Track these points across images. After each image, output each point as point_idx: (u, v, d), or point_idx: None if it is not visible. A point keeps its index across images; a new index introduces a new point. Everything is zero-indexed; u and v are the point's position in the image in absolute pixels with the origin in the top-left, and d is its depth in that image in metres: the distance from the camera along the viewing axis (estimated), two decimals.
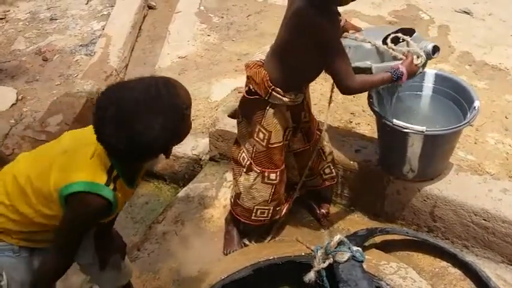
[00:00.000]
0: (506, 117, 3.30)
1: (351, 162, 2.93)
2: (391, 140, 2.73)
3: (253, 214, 2.67)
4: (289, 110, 2.50)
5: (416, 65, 2.42)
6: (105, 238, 2.11)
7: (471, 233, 2.70)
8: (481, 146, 3.07)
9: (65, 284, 2.38)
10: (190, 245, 2.79)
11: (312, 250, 2.41)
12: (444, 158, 2.78)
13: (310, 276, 2.26)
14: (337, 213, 2.99)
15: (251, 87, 2.45)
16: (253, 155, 2.56)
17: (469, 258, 2.67)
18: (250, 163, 2.57)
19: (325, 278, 2.27)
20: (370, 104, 2.66)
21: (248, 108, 2.53)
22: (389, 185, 2.85)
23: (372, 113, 2.70)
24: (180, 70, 4.17)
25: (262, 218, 2.69)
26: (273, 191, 2.61)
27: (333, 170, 2.86)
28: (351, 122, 3.31)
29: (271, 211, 2.68)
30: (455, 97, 2.76)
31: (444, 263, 2.66)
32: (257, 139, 2.53)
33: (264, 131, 2.49)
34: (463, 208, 2.68)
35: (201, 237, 2.83)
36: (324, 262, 2.29)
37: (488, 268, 2.63)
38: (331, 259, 2.28)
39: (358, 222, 2.91)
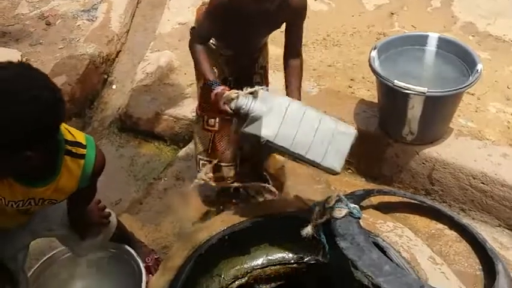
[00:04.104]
0: (508, 87, 3.28)
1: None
2: (392, 101, 2.74)
3: (198, 166, 2.65)
4: (224, 59, 2.44)
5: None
6: (76, 215, 2.11)
7: (469, 196, 2.71)
8: (482, 114, 3.06)
9: None
10: (191, 200, 2.81)
11: (310, 206, 2.43)
12: (444, 122, 2.78)
13: (308, 230, 2.28)
14: (335, 176, 2.98)
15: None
16: (197, 98, 2.59)
17: (466, 221, 2.67)
18: (197, 107, 2.60)
19: (322, 233, 2.29)
20: (371, 65, 2.67)
21: (191, 45, 2.42)
22: (388, 148, 2.85)
23: (371, 78, 2.70)
24: (180, 36, 4.14)
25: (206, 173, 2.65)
26: (212, 139, 2.56)
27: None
28: (351, 87, 3.31)
29: (212, 165, 2.61)
30: (458, 60, 2.76)
31: (440, 225, 2.67)
32: (196, 81, 2.54)
33: None
34: (461, 171, 2.68)
35: (202, 193, 2.84)
36: (322, 218, 2.31)
37: (485, 231, 2.65)
38: (329, 215, 2.31)
39: (356, 184, 2.91)
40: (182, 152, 3.18)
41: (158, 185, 2.96)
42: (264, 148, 2.45)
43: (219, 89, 2.17)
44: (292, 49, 2.39)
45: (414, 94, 2.53)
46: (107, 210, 2.25)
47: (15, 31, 4.43)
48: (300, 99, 2.30)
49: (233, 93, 2.12)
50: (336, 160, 2.14)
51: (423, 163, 2.77)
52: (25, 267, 2.12)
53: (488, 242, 2.52)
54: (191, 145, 3.16)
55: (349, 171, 3.02)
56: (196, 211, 2.76)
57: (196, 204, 2.79)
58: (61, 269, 2.34)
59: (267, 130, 2.07)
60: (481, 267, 2.47)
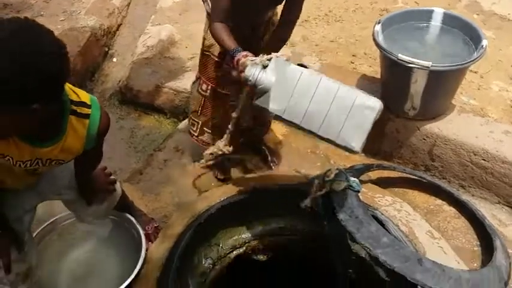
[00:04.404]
0: None
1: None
2: (395, 75, 2.72)
3: (189, 121, 2.69)
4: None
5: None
6: (83, 180, 2.12)
7: (469, 172, 2.70)
8: (484, 92, 3.05)
9: None
10: (190, 171, 2.82)
11: (309, 179, 2.43)
12: (447, 97, 2.76)
13: (307, 202, 2.28)
14: (334, 150, 2.96)
15: None
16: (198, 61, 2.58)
17: (465, 197, 2.67)
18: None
19: (321, 205, 2.29)
20: (375, 39, 2.65)
21: (211, 29, 2.34)
22: (388, 123, 2.84)
23: (373, 54, 2.67)
24: (181, 10, 4.13)
25: (194, 131, 2.67)
26: (202, 103, 2.58)
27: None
28: (353, 62, 3.30)
29: (199, 126, 2.63)
30: (463, 36, 2.74)
31: (439, 201, 2.67)
32: (202, 46, 2.51)
33: (204, 35, 2.46)
34: (462, 148, 2.67)
35: (201, 164, 2.82)
36: (321, 190, 2.30)
37: (484, 208, 2.65)
38: (328, 188, 2.30)
39: (355, 159, 2.88)
40: (182, 125, 3.17)
41: (158, 156, 2.97)
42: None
43: (240, 55, 2.02)
44: (286, 27, 2.32)
45: (418, 68, 2.51)
46: (113, 177, 2.27)
47: (16, 3, 4.40)
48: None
49: (248, 60, 1.96)
50: (353, 138, 1.89)
51: (424, 139, 2.75)
52: (31, 228, 2.14)
53: (487, 219, 2.52)
54: None
55: None
56: (196, 182, 2.76)
57: (195, 175, 2.79)
58: (61, 235, 2.36)
59: (274, 104, 1.87)
60: (479, 243, 2.47)
